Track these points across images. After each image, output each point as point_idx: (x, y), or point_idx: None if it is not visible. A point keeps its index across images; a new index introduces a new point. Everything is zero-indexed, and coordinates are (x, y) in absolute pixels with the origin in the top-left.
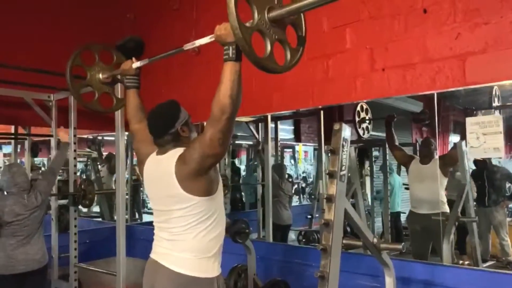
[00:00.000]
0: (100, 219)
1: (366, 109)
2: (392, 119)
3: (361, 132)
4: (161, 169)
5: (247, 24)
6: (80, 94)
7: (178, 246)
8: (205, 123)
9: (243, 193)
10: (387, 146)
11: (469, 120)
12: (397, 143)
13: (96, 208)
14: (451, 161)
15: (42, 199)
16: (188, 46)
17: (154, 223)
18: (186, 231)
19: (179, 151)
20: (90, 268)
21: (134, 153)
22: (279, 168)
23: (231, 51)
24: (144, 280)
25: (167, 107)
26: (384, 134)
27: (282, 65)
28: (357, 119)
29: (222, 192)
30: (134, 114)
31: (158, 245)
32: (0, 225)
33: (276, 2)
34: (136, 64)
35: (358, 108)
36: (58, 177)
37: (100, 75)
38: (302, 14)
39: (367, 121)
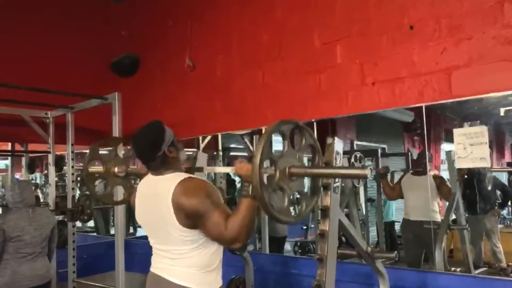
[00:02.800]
0: (95, 234)
1: (360, 157)
2: (385, 173)
3: (356, 183)
4: (158, 190)
5: (269, 173)
6: (95, 188)
7: (181, 263)
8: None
9: (234, 208)
10: (379, 156)
11: (456, 131)
12: (391, 189)
13: (90, 223)
14: (443, 194)
15: (49, 221)
16: (208, 170)
17: (151, 243)
18: (187, 252)
19: (180, 176)
20: (89, 283)
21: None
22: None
23: (250, 190)
24: None
25: (152, 130)
26: (376, 144)
27: (296, 215)
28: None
29: None
30: None
31: (159, 260)
32: (4, 239)
33: (297, 156)
34: None
35: (352, 159)
36: (56, 193)
37: (116, 169)
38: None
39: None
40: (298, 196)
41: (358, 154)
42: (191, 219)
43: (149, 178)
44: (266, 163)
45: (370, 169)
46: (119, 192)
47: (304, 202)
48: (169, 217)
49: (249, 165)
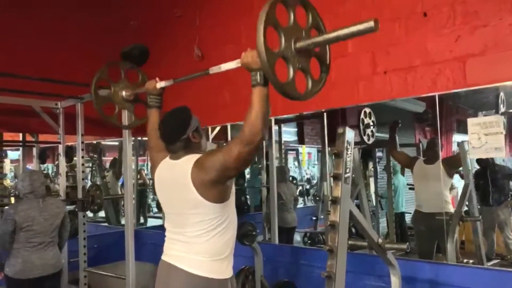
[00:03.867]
0: (106, 224)
1: (370, 113)
2: (396, 125)
3: (366, 138)
4: (176, 173)
5: (273, 51)
6: (102, 107)
7: (192, 249)
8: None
9: (247, 196)
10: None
11: (470, 121)
12: (398, 149)
13: (101, 213)
14: (455, 164)
15: (60, 210)
16: (214, 70)
17: (165, 226)
18: (201, 235)
19: (194, 157)
20: (100, 272)
21: (149, 159)
22: (281, 170)
23: (259, 77)
24: (157, 282)
25: (179, 114)
26: (386, 135)
27: (303, 93)
28: (361, 126)
29: (234, 196)
30: (153, 132)
31: (171, 247)
32: (15, 228)
33: (303, 34)
34: (160, 84)
35: (362, 115)
36: (66, 184)
37: (124, 93)
38: (327, 47)
39: (372, 126)
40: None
41: (368, 110)
42: (219, 183)
43: (168, 163)
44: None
45: (375, 20)
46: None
47: (309, 80)
48: (192, 198)
49: (253, 51)
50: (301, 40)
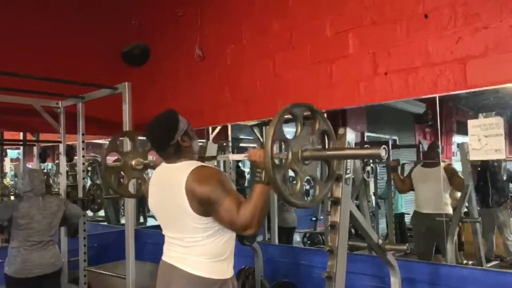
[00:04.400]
0: (105, 223)
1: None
2: (396, 166)
3: (365, 175)
4: (171, 177)
5: (282, 158)
6: (112, 181)
7: (192, 251)
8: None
9: (247, 196)
10: (390, 148)
11: (470, 123)
12: (402, 182)
13: (101, 212)
14: (455, 185)
15: (59, 207)
16: (222, 158)
17: (164, 233)
18: (198, 241)
19: (192, 164)
20: (100, 271)
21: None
22: None
23: (263, 176)
24: (158, 282)
25: (166, 119)
26: (387, 136)
27: (310, 200)
28: (361, 163)
29: None
30: None
31: (171, 249)
32: (11, 218)
33: (311, 141)
34: None
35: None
36: (66, 183)
37: (133, 162)
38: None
39: (371, 163)
40: (311, 181)
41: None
42: (204, 206)
43: (163, 167)
44: (280, 150)
45: (384, 148)
46: (132, 184)
47: (317, 187)
48: (183, 205)
49: (262, 151)
50: (308, 151)
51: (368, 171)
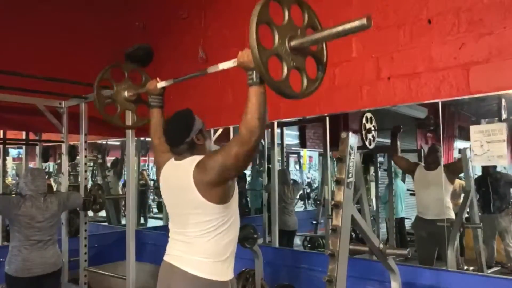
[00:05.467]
0: (106, 224)
1: (371, 118)
2: (398, 130)
3: (367, 143)
4: (179, 174)
5: (267, 49)
6: (104, 107)
7: (193, 249)
8: (230, 138)
9: (248, 199)
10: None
11: (473, 128)
12: (399, 154)
13: (102, 213)
14: (456, 170)
15: (60, 206)
16: (211, 69)
17: (169, 226)
18: (202, 235)
19: (197, 158)
20: (100, 272)
21: (153, 161)
22: (282, 174)
23: (255, 76)
24: (158, 282)
25: (183, 117)
26: (388, 140)
27: (299, 92)
28: (363, 131)
29: (237, 198)
30: (156, 131)
31: (173, 247)
32: (16, 223)
33: (298, 32)
34: (161, 84)
35: (363, 120)
36: (68, 183)
37: (126, 93)
38: (324, 46)
39: (373, 131)
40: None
41: (369, 115)
42: (219, 181)
43: (172, 163)
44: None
45: (368, 16)
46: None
47: (305, 79)
48: (195, 199)
49: (249, 50)
50: (295, 38)
51: (370, 139)
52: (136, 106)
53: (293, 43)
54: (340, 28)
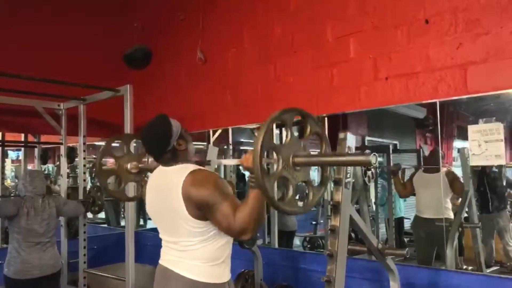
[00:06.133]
0: (105, 225)
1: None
2: (398, 169)
3: (366, 179)
4: (168, 181)
5: (273, 162)
6: (107, 184)
7: (189, 255)
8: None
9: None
10: (390, 152)
11: (471, 128)
12: (403, 187)
13: (101, 214)
14: (456, 190)
15: (57, 208)
16: (215, 163)
17: (160, 236)
18: (194, 244)
19: (189, 167)
20: (99, 273)
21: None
22: None
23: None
24: (155, 286)
25: (158, 125)
26: (387, 140)
27: (303, 206)
28: (362, 168)
29: None
30: None
31: (167, 253)
32: (15, 225)
33: (302, 146)
34: None
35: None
36: (67, 185)
37: (128, 166)
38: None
39: (372, 168)
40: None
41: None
42: (201, 209)
43: (160, 170)
44: (270, 156)
45: (374, 155)
46: (131, 188)
47: (311, 192)
48: (179, 209)
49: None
50: (299, 156)
51: (369, 176)
52: (139, 177)
53: (297, 160)
54: (344, 159)
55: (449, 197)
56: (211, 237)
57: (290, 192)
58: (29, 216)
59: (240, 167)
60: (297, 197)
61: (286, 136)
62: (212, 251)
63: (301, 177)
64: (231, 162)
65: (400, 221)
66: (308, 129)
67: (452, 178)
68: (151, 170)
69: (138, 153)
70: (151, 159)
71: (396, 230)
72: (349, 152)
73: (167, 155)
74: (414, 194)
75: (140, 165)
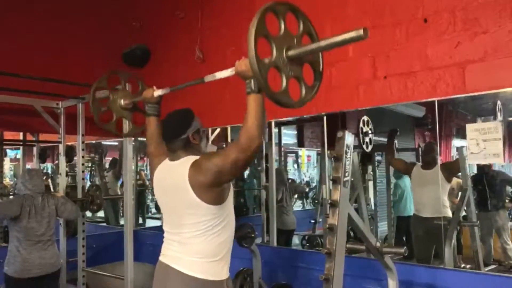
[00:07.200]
0: (104, 224)
1: (368, 121)
2: (395, 134)
3: (365, 146)
4: (174, 175)
5: (265, 61)
6: (99, 115)
7: (188, 250)
8: (228, 142)
9: (247, 198)
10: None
11: (469, 127)
12: (395, 156)
13: (100, 213)
14: (454, 169)
15: (56, 207)
16: (208, 78)
17: (163, 227)
18: (197, 236)
19: (192, 158)
20: (98, 272)
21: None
22: (279, 173)
23: (253, 84)
24: (154, 282)
25: (182, 114)
26: (386, 139)
27: (297, 100)
28: (360, 134)
29: (232, 197)
30: (152, 139)
31: (168, 248)
32: (15, 224)
33: (295, 42)
34: (158, 92)
35: (360, 123)
36: (66, 183)
37: (122, 101)
38: (320, 54)
39: (370, 134)
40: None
41: (366, 118)
42: (214, 184)
43: (166, 164)
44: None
45: (364, 28)
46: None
47: (303, 88)
48: (190, 199)
49: (247, 59)
50: (292, 48)
51: (367, 142)
52: (132, 114)
53: (290, 53)
54: (337, 39)
55: (446, 194)
56: (214, 230)
57: (284, 84)
58: (30, 215)
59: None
60: (295, 196)
61: (279, 28)
62: (213, 246)
63: (294, 72)
64: (225, 73)
65: (409, 219)
66: (301, 26)
67: (448, 165)
68: (147, 101)
69: (133, 95)
70: (144, 94)
71: (403, 229)
72: (347, 150)
73: (179, 142)
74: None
75: (134, 99)
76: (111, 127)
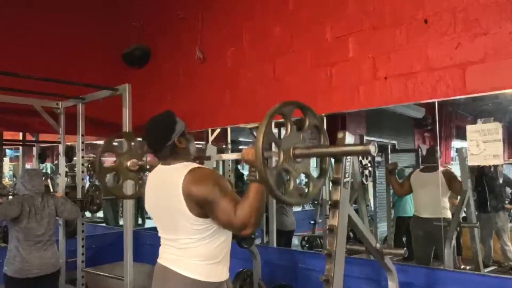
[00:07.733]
0: (103, 224)
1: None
2: (395, 168)
3: (364, 179)
4: (167, 179)
5: (273, 164)
6: (105, 181)
7: (187, 253)
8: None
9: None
10: (389, 152)
11: (469, 128)
12: (400, 186)
13: (99, 214)
14: (454, 189)
15: (55, 207)
16: (215, 158)
17: (159, 233)
18: (193, 242)
19: (188, 165)
20: (97, 273)
21: None
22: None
23: (257, 175)
24: (153, 285)
25: (163, 119)
26: (386, 140)
27: (303, 197)
28: (360, 168)
29: None
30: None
31: (166, 251)
32: (15, 224)
33: (301, 137)
34: None
35: (359, 156)
36: (65, 183)
37: (128, 163)
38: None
39: (369, 167)
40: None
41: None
42: (201, 207)
43: (159, 168)
44: (271, 150)
45: (374, 144)
46: (129, 186)
47: (311, 183)
48: (179, 207)
49: (254, 149)
50: (299, 148)
51: (366, 175)
52: (138, 176)
53: (297, 152)
54: (344, 149)
55: (447, 196)
56: (210, 235)
57: (292, 185)
58: (30, 215)
59: (240, 168)
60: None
61: (286, 129)
62: (211, 249)
63: (301, 169)
64: (231, 156)
65: (409, 220)
66: (307, 122)
67: (450, 177)
68: (151, 168)
69: (138, 152)
70: (149, 158)
71: (404, 230)
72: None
73: (166, 150)
74: (411, 193)
75: (140, 162)
76: (118, 190)
